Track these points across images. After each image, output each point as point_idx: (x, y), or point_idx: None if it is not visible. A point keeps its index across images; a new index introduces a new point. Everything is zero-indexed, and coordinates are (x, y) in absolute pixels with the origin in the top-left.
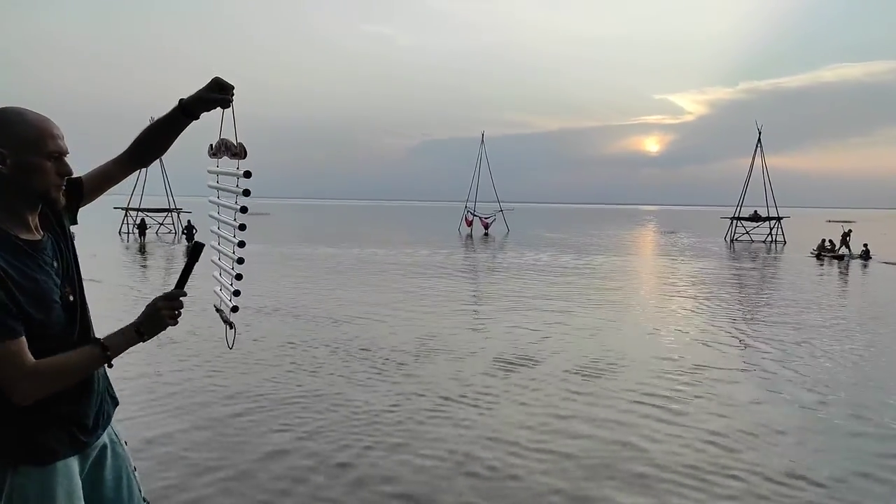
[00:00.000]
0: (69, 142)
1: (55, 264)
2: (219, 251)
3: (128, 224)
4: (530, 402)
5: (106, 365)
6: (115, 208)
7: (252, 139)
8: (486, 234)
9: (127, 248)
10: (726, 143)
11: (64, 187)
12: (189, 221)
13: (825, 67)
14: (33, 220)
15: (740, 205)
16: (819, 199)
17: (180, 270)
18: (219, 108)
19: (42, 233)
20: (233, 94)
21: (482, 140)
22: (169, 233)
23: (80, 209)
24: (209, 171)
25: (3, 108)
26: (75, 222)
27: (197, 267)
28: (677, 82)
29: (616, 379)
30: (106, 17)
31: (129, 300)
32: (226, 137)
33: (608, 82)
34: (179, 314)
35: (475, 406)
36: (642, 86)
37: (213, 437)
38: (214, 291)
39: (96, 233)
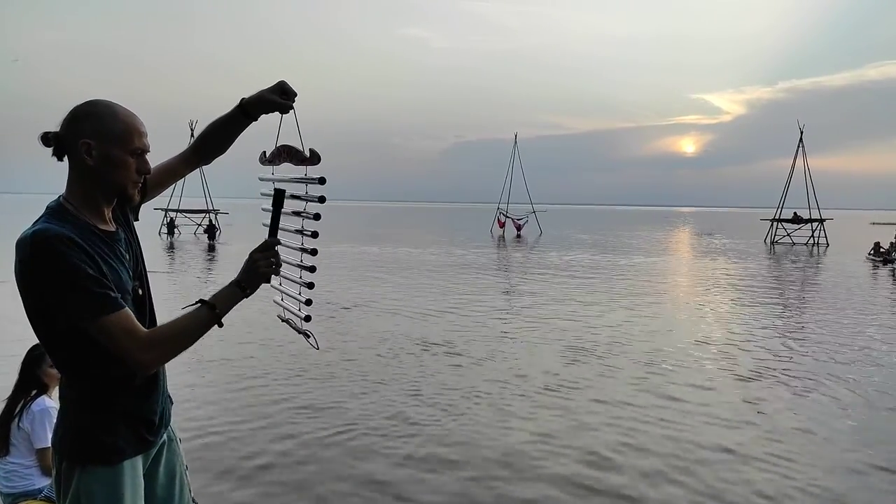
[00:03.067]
0: None
1: (127, 256)
2: (283, 261)
3: (166, 224)
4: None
5: (217, 325)
6: (155, 209)
7: (287, 140)
8: (518, 236)
9: (162, 247)
10: (765, 143)
11: (140, 184)
12: (210, 220)
13: (869, 65)
14: (108, 213)
15: (781, 206)
16: (863, 200)
17: (269, 220)
18: (277, 114)
19: (115, 225)
20: (294, 101)
21: (515, 141)
22: (205, 233)
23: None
24: (261, 178)
25: (94, 101)
26: (137, 218)
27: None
28: (714, 82)
29: (689, 370)
30: (143, 23)
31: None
32: (288, 143)
33: (643, 82)
34: (277, 263)
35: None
36: (678, 86)
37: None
38: (275, 301)
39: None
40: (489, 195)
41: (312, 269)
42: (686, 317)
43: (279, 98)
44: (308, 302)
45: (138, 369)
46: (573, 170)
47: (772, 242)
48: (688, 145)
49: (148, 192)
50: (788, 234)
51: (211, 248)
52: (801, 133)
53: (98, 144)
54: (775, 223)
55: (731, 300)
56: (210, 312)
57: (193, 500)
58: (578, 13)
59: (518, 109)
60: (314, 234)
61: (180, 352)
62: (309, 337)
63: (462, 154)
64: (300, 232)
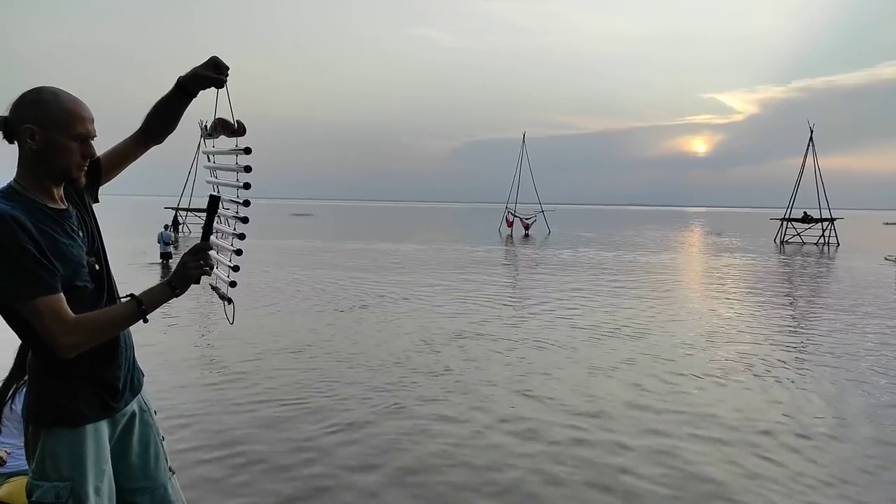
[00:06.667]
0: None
1: (80, 233)
2: (217, 230)
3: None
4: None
5: (142, 320)
6: (165, 208)
7: (298, 140)
8: (526, 235)
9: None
10: (778, 143)
11: (86, 168)
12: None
13: (883, 64)
14: (58, 192)
15: (791, 206)
16: (876, 200)
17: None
18: (215, 90)
19: (66, 204)
20: (227, 75)
21: (524, 140)
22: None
23: (120, 198)
24: (204, 152)
25: (40, 88)
26: (97, 200)
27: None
28: (726, 81)
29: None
30: (142, 22)
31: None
32: (222, 116)
33: (654, 82)
34: (208, 265)
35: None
36: (690, 85)
37: None
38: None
39: (149, 232)
40: (499, 195)
41: (242, 237)
42: (694, 311)
43: (213, 73)
44: (235, 268)
45: (58, 351)
46: (583, 169)
47: (781, 242)
48: (699, 145)
49: (103, 175)
50: (798, 234)
51: None
52: (812, 132)
53: (40, 129)
54: (785, 223)
55: (732, 298)
56: (137, 308)
57: (170, 469)
58: (589, 12)
59: (528, 109)
60: (246, 203)
61: (102, 340)
62: (230, 303)
63: (472, 154)
64: (234, 201)
